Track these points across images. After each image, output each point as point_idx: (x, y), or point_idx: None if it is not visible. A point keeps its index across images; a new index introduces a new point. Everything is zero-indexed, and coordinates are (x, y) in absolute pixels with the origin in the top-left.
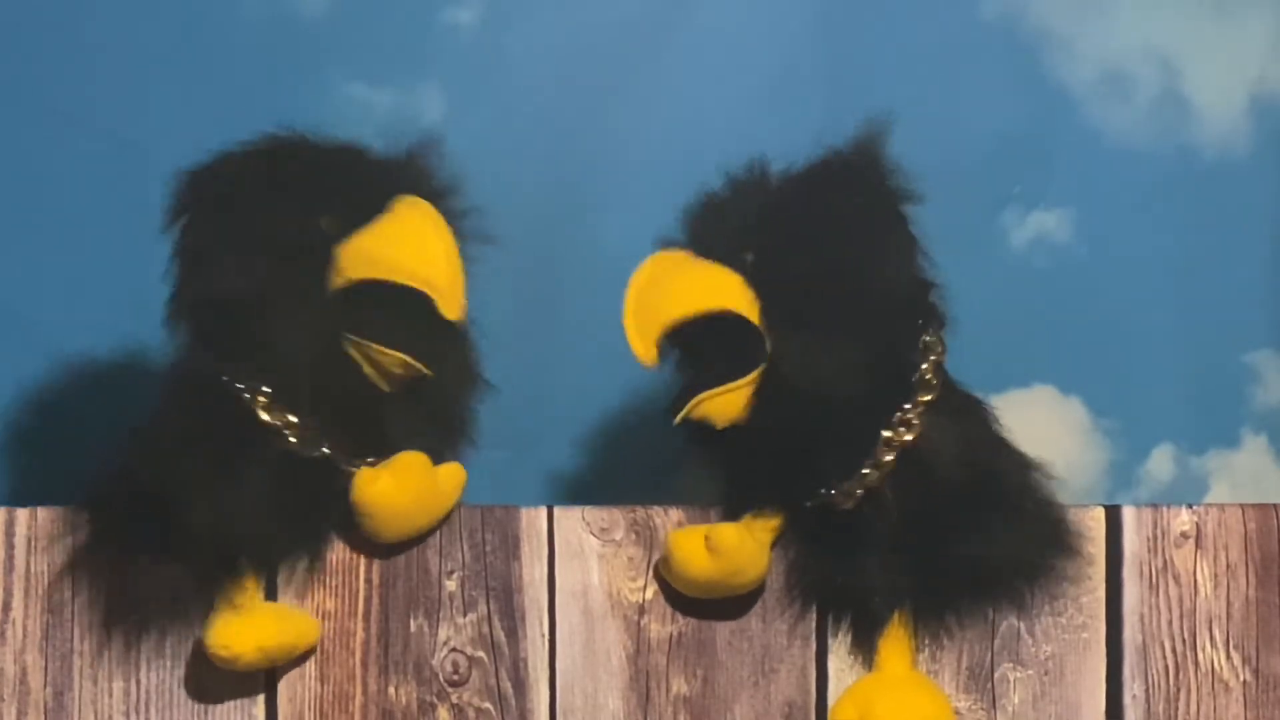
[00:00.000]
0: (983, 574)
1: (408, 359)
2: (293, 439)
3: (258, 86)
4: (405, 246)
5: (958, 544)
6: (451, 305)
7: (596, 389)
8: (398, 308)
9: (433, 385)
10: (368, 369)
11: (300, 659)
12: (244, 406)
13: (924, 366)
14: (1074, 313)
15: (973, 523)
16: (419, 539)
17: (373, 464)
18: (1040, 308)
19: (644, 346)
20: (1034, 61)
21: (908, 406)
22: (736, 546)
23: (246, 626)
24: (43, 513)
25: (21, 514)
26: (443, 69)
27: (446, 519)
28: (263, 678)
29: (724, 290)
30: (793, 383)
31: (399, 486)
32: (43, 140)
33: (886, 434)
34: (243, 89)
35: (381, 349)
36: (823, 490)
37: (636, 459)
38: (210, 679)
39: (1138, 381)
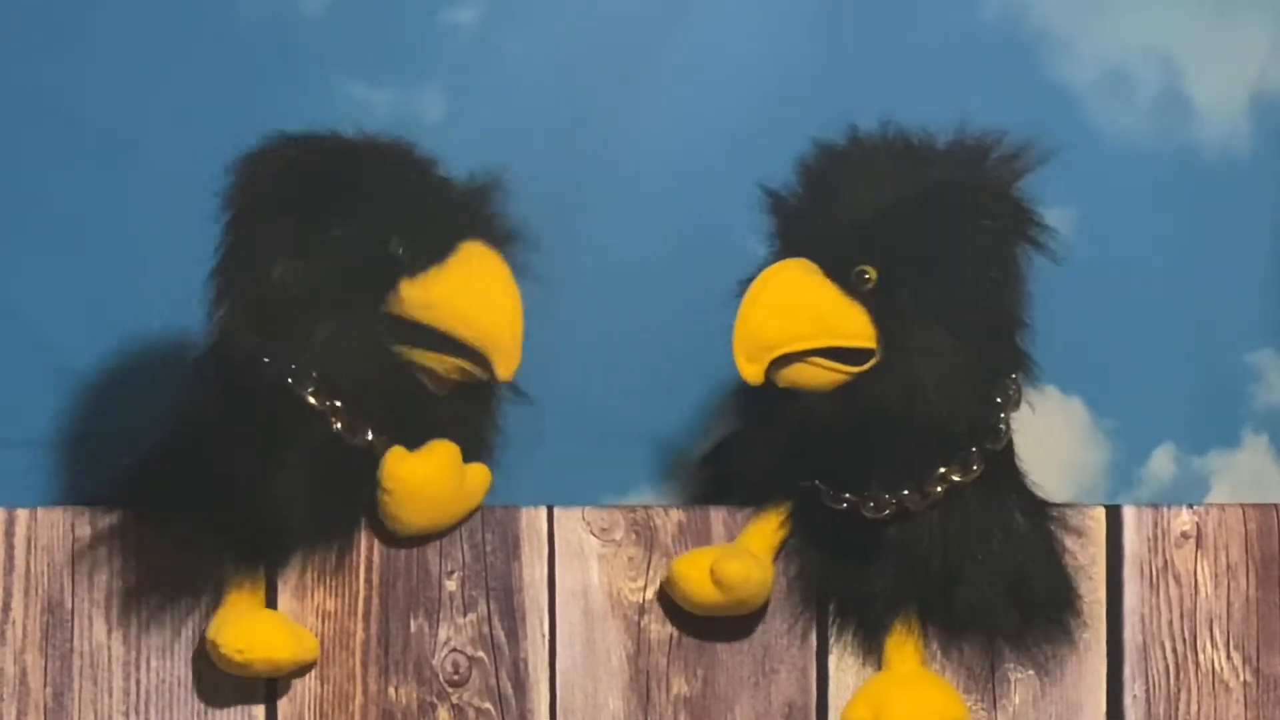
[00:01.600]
0: (986, 619)
1: (466, 364)
2: (338, 425)
3: (258, 86)
4: (472, 303)
5: (968, 590)
6: (507, 367)
7: (596, 389)
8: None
9: (478, 391)
10: (419, 371)
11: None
12: (291, 391)
13: (1002, 416)
14: (1074, 312)
15: (986, 576)
16: (434, 535)
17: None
18: (1040, 308)
19: (752, 370)
20: (1034, 61)
21: (973, 450)
22: (743, 580)
23: (263, 635)
24: (43, 513)
25: (21, 514)
26: (443, 69)
27: (468, 519)
28: (263, 679)
29: (846, 329)
30: (893, 395)
31: (428, 469)
32: (43, 140)
33: (943, 469)
34: (243, 89)
35: (440, 356)
36: (859, 494)
37: (637, 459)
38: (210, 679)
39: (1138, 381)
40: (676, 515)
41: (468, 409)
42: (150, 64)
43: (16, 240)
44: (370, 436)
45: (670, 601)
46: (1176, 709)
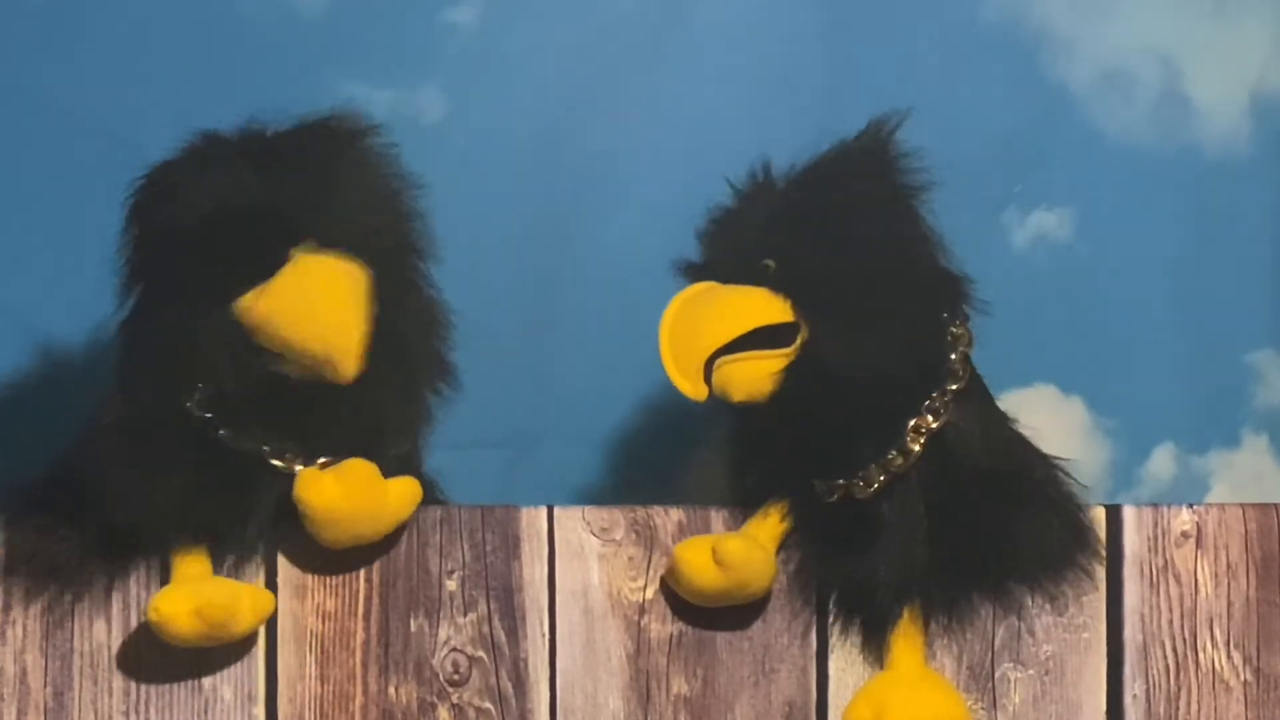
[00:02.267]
0: (1004, 564)
1: (310, 369)
2: (222, 430)
3: (257, 86)
4: (307, 311)
5: (981, 534)
6: (343, 374)
7: (596, 390)
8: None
9: (373, 378)
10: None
11: (252, 639)
12: (173, 404)
13: (953, 356)
14: (1074, 313)
15: (996, 513)
16: (365, 548)
17: (324, 465)
18: (1041, 308)
19: (690, 384)
20: (1034, 61)
21: (935, 395)
22: (744, 560)
23: (181, 592)
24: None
25: None
26: (443, 69)
27: (396, 534)
28: (263, 677)
29: (752, 308)
30: (828, 364)
31: (340, 491)
32: (42, 140)
33: (914, 420)
34: (243, 89)
35: (288, 362)
36: (847, 476)
37: (637, 459)
38: (211, 680)
39: (1138, 381)
40: (676, 515)
41: (363, 398)
42: (150, 64)
43: (16, 240)
44: (266, 446)
45: (670, 601)
46: (1176, 709)
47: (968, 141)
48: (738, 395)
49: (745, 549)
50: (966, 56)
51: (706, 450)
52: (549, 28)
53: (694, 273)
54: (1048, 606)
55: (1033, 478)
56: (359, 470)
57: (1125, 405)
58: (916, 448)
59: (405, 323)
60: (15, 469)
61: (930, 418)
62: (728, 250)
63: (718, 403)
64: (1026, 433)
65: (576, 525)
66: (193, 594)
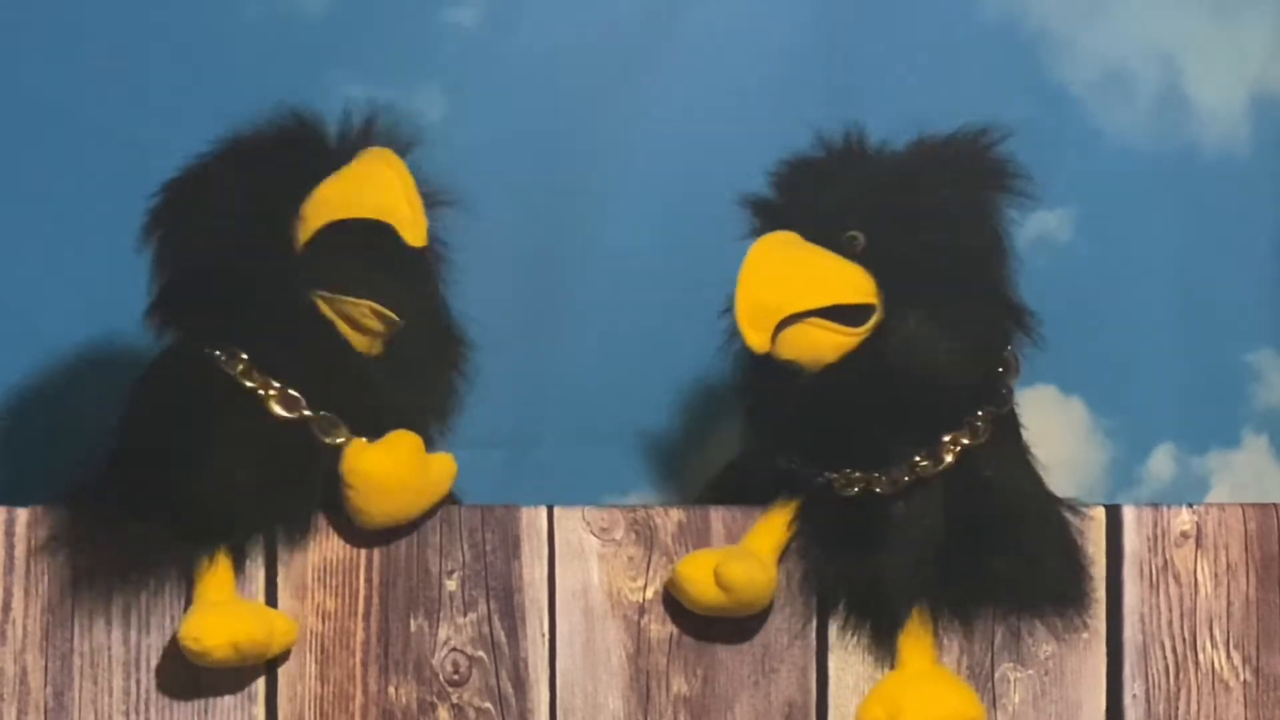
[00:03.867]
0: (1004, 592)
1: (376, 305)
2: (276, 405)
3: (258, 87)
4: (361, 184)
5: (986, 558)
6: (414, 232)
7: (596, 390)
8: (369, 268)
9: (411, 352)
10: (342, 327)
11: (278, 659)
12: (225, 375)
13: (1002, 376)
14: (1074, 313)
15: (1004, 542)
16: (403, 529)
17: (367, 441)
18: (1040, 308)
19: (759, 337)
20: (1034, 61)
21: (981, 413)
22: (747, 583)
23: (220, 620)
24: (43, 513)
25: (21, 514)
26: (443, 69)
27: (434, 511)
28: (263, 678)
29: (845, 283)
30: (895, 352)
31: (389, 461)
32: (42, 140)
33: (954, 433)
34: (243, 89)
35: (351, 300)
36: (875, 469)
37: (637, 459)
38: (210, 679)
39: (1138, 381)
40: (676, 515)
41: (410, 377)
42: (151, 64)
43: (16, 240)
44: (307, 411)
45: (670, 601)
46: (1176, 708)
47: None
48: (797, 355)
49: (747, 572)
50: (966, 56)
51: (707, 450)
52: (549, 28)
53: (769, 213)
54: (1048, 607)
55: (1045, 519)
56: (407, 440)
57: (1125, 405)
58: (948, 458)
59: (444, 304)
60: (15, 469)
61: (970, 433)
62: (811, 205)
63: (733, 392)
64: (1041, 471)
65: (576, 525)
66: (231, 628)
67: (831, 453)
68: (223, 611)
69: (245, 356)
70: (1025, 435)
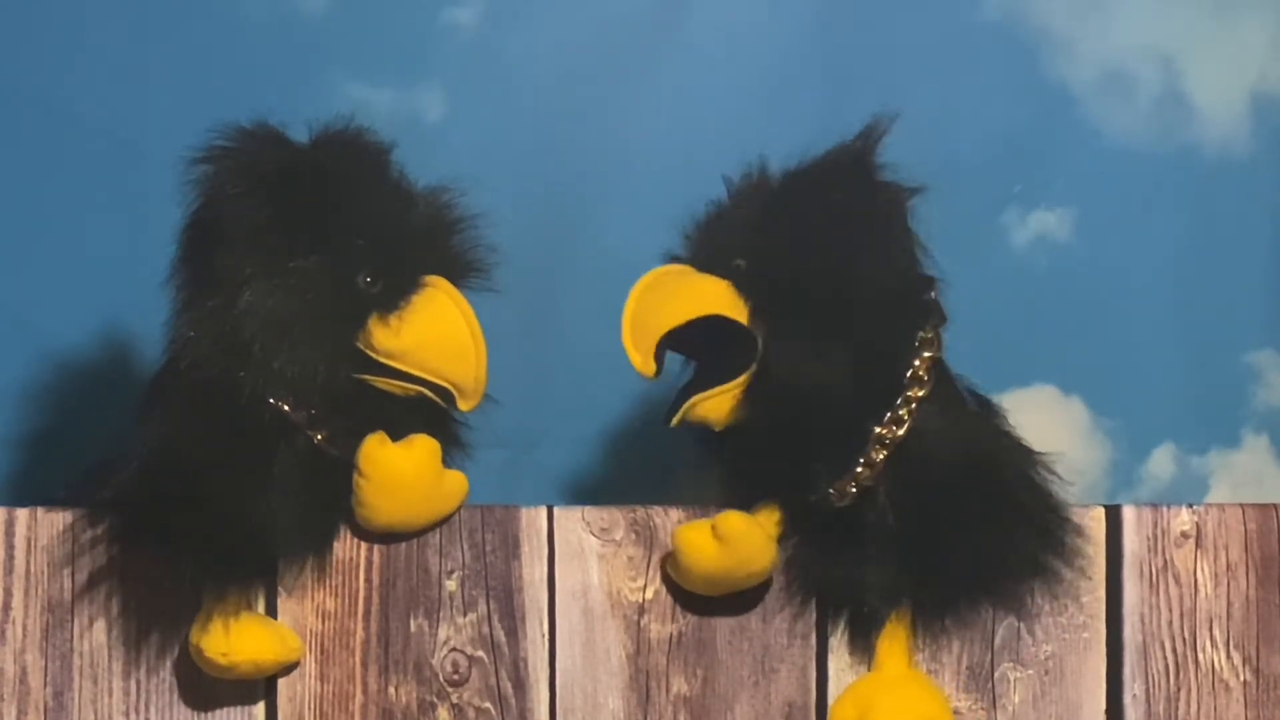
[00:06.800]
0: (976, 573)
1: (428, 393)
2: (319, 436)
3: (258, 86)
4: (439, 352)
5: (952, 542)
6: (469, 405)
7: (596, 390)
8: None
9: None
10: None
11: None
12: (270, 406)
13: (916, 363)
14: (1074, 313)
15: (966, 520)
16: (407, 534)
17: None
18: (1040, 308)
19: (641, 358)
20: (1034, 61)
21: (899, 402)
22: (744, 534)
23: (246, 638)
24: (42, 513)
25: (21, 514)
26: (443, 69)
27: (441, 524)
28: (262, 678)
29: (712, 297)
30: (781, 383)
31: (407, 457)
32: (42, 140)
33: (878, 430)
34: (243, 88)
35: (404, 385)
36: (818, 489)
37: (636, 459)
38: (210, 679)
39: (1138, 381)
40: (676, 515)
41: (438, 410)
42: (151, 64)
43: (16, 240)
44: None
45: (670, 601)
46: (1176, 708)
47: (968, 141)
48: (719, 426)
49: (744, 522)
50: (966, 56)
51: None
52: (549, 28)
53: (682, 253)
54: (1047, 607)
55: (1002, 480)
56: (427, 443)
57: (1125, 405)
58: (880, 458)
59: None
60: (15, 469)
61: (893, 427)
62: (707, 244)
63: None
64: (1012, 429)
65: (576, 525)
66: (255, 646)
67: (770, 491)
68: (248, 629)
69: (290, 394)
70: (958, 386)
